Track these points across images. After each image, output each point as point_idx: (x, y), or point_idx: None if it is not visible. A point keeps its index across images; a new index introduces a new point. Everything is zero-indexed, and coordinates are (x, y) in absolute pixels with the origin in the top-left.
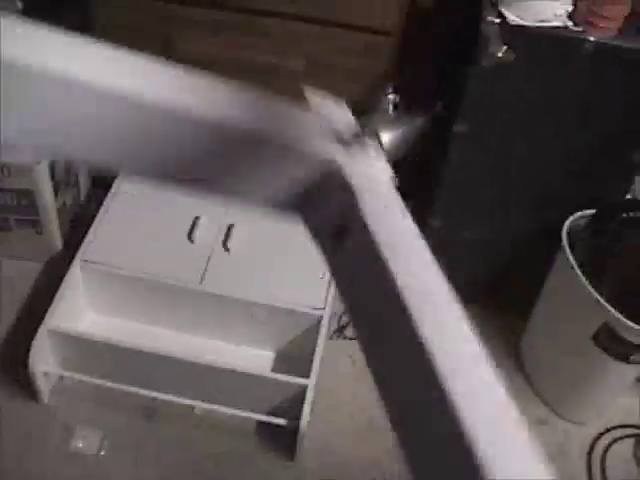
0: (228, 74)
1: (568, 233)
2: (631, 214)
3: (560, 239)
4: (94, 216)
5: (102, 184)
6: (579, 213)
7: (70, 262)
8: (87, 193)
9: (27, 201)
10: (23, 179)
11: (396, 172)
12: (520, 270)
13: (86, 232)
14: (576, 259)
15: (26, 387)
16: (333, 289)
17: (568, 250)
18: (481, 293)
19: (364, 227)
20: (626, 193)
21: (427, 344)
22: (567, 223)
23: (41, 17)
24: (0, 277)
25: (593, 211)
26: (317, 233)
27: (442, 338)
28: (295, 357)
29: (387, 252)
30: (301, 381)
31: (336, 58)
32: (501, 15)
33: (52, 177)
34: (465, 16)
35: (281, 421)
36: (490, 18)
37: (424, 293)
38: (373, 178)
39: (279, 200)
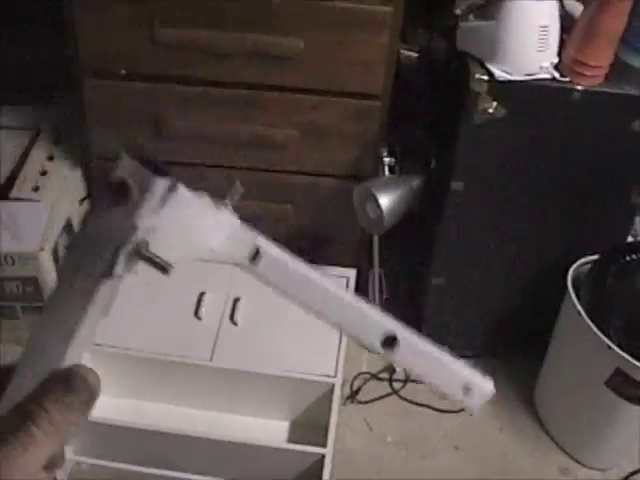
0: (222, 147)
1: (573, 279)
2: (634, 256)
3: (565, 286)
4: None
5: None
6: (583, 259)
7: None
8: None
9: (32, 288)
10: (27, 266)
11: (397, 232)
12: (528, 319)
13: None
14: (582, 305)
15: None
16: (343, 355)
17: (574, 297)
18: (491, 344)
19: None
20: (627, 235)
21: None
22: (571, 270)
23: (35, 105)
24: (10, 364)
25: (596, 256)
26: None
27: None
28: (310, 425)
29: None
30: (318, 450)
31: (329, 126)
32: (488, 71)
33: (55, 263)
34: (448, 72)
35: None
36: (478, 75)
37: None
38: None
39: None
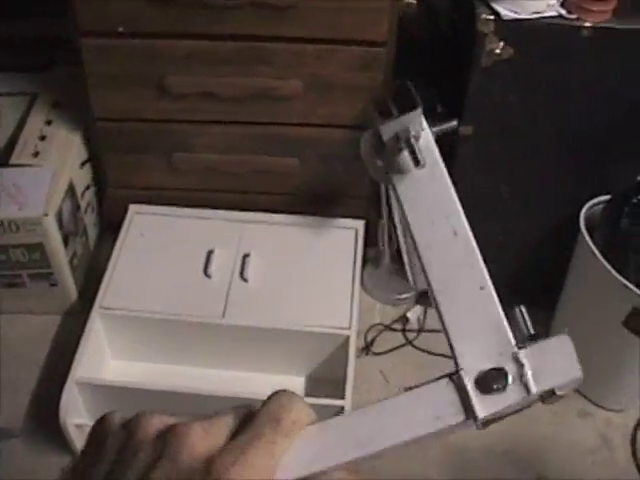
0: (227, 103)
1: (586, 221)
2: None
3: (579, 228)
4: (107, 262)
5: (110, 230)
6: (595, 200)
7: (88, 311)
8: (96, 240)
9: (38, 255)
10: (32, 233)
11: None
12: (542, 263)
13: (100, 279)
14: (596, 246)
15: (60, 442)
16: (357, 307)
17: (588, 237)
18: (504, 290)
19: None
20: (637, 175)
21: None
22: (584, 211)
23: (33, 72)
24: (20, 333)
25: (608, 197)
26: None
27: None
28: (325, 380)
29: None
30: (337, 403)
31: (334, 76)
32: (495, 12)
33: (60, 228)
34: (452, 17)
35: None
36: (484, 15)
37: None
38: None
39: None
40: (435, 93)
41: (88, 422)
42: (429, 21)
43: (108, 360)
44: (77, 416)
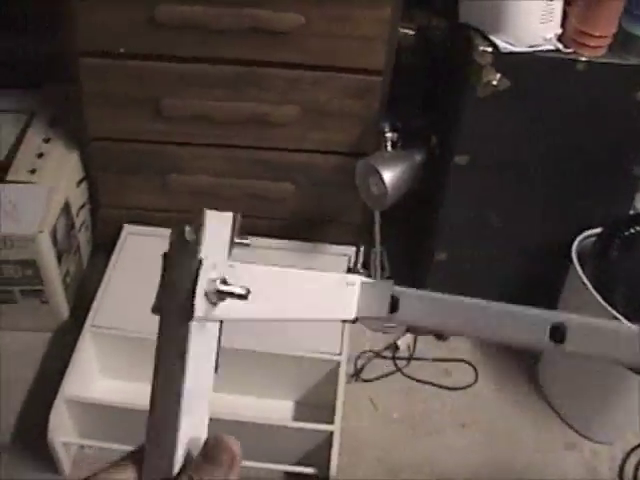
0: (221, 126)
1: (577, 253)
2: (637, 229)
3: (570, 260)
4: (99, 281)
5: (103, 249)
6: (586, 232)
7: (79, 329)
8: (89, 259)
9: (31, 271)
10: (26, 249)
11: (398, 209)
12: (532, 294)
13: (92, 298)
14: (587, 277)
15: (47, 460)
16: (347, 333)
17: (580, 270)
18: None
19: None
20: (629, 208)
21: None
22: (576, 243)
23: (25, 87)
24: (10, 350)
25: (599, 229)
26: None
27: None
28: (314, 405)
29: None
30: (326, 427)
31: (330, 102)
32: (492, 43)
33: (54, 245)
34: (449, 48)
35: (309, 470)
36: (482, 47)
37: None
38: None
39: None
40: (430, 123)
41: (76, 440)
42: (426, 51)
43: (98, 379)
44: (65, 434)
